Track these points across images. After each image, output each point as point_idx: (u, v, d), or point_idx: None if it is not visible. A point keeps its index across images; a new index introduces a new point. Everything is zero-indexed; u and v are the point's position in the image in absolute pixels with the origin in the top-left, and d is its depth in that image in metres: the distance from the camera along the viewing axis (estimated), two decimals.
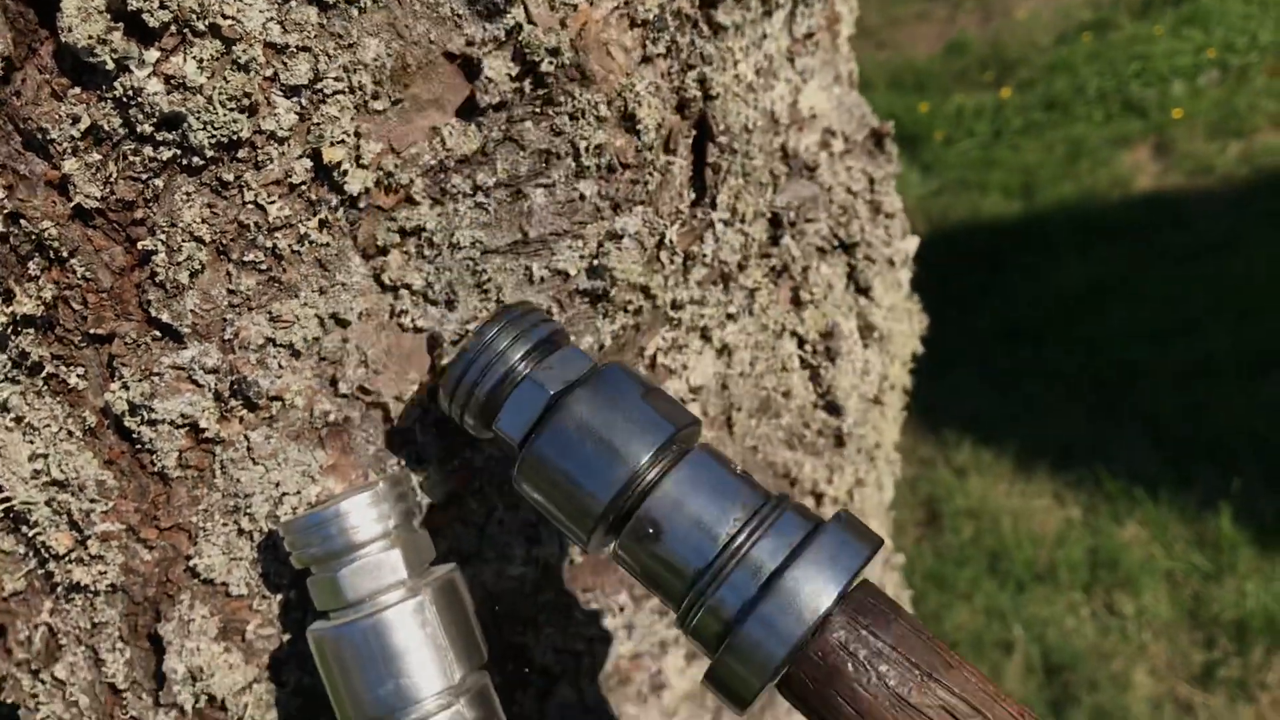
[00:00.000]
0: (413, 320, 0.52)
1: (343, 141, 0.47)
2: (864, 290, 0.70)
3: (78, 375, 0.49)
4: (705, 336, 0.62)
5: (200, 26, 0.44)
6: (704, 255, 0.60)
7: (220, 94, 0.44)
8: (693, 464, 0.45)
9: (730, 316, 0.63)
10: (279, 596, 0.53)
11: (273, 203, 0.47)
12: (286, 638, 0.54)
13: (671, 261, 0.58)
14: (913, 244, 0.75)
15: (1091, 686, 2.27)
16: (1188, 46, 4.58)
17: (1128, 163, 4.22)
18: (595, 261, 0.54)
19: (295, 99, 0.46)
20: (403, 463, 0.53)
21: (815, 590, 0.42)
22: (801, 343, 0.67)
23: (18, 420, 0.50)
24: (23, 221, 0.46)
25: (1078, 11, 5.18)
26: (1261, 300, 3.23)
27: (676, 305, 0.59)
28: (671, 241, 0.57)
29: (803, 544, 0.43)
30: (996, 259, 3.92)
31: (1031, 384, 3.22)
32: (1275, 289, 3.25)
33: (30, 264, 0.47)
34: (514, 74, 0.49)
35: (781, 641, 0.42)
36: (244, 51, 0.44)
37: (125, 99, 0.44)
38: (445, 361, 0.53)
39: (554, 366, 0.48)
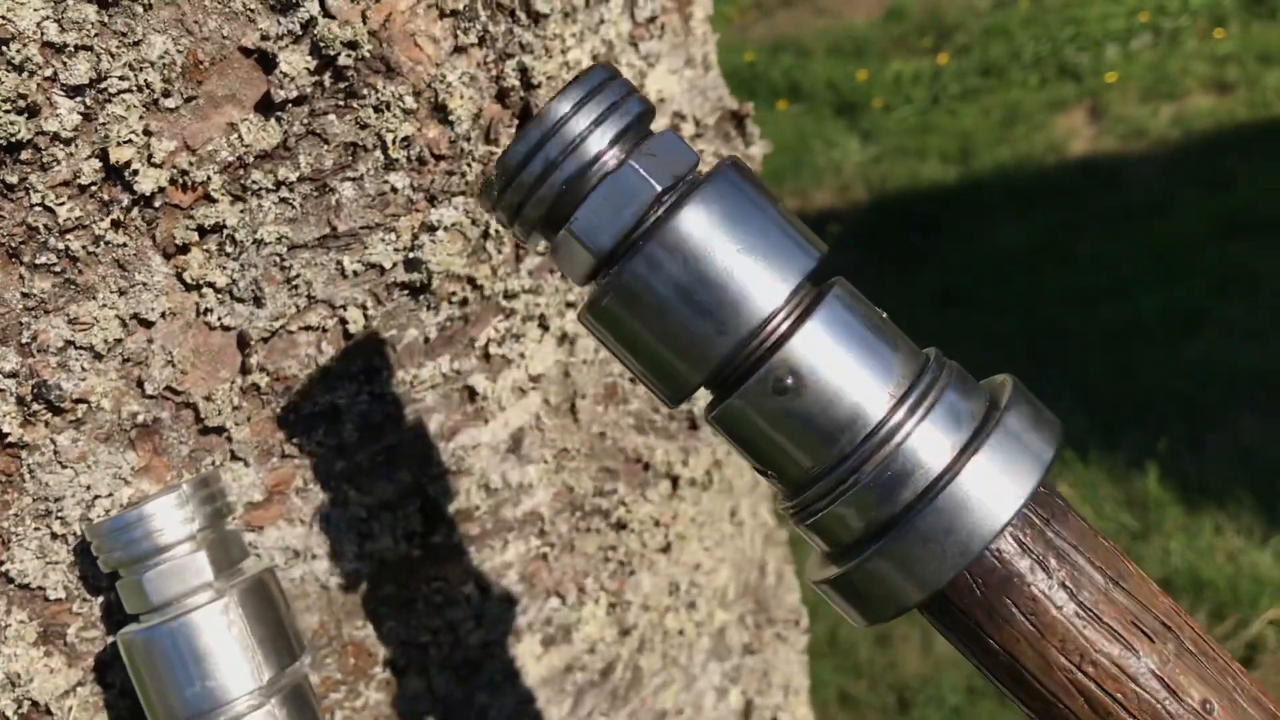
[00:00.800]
0: (219, 318, 0.51)
1: (130, 141, 0.46)
2: None
3: None
4: (544, 325, 0.62)
5: None
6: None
7: None
8: (840, 304, 0.37)
9: (570, 304, 0.63)
10: (100, 599, 0.53)
11: (62, 204, 0.46)
12: (111, 640, 0.54)
13: (500, 251, 0.58)
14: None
15: None
16: (1121, 10, 4.62)
17: (1063, 127, 4.26)
18: (411, 254, 0.53)
19: (78, 99, 0.45)
20: (217, 462, 0.53)
21: (1002, 490, 0.35)
22: None
23: None
24: None
25: None
26: (1190, 261, 3.28)
27: (509, 295, 0.59)
28: (498, 232, 0.57)
29: (983, 427, 0.36)
30: (935, 224, 3.95)
31: (967, 347, 3.25)
32: (1203, 251, 3.30)
33: None
34: (312, 68, 0.49)
35: (960, 549, 0.35)
36: (18, 52, 0.43)
37: None
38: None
39: (656, 154, 0.37)
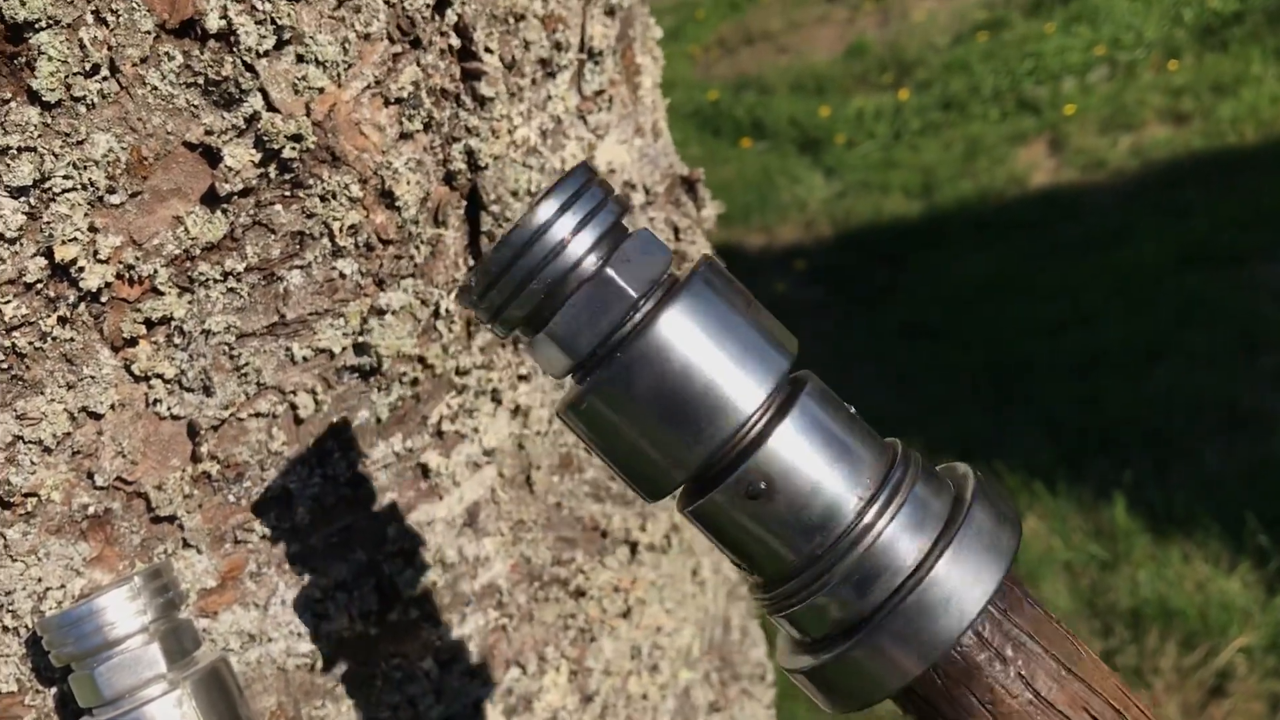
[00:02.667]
0: (169, 408, 0.51)
1: (75, 239, 0.47)
2: None
3: None
4: (496, 399, 0.62)
5: None
6: None
7: None
8: (812, 405, 0.38)
9: (522, 378, 0.63)
10: (53, 690, 0.53)
11: (8, 302, 0.47)
12: None
13: (450, 330, 0.58)
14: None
15: None
16: (1078, 44, 4.70)
17: (1024, 159, 4.32)
18: (360, 338, 0.54)
19: (23, 199, 0.46)
20: (169, 551, 0.53)
21: (969, 588, 0.36)
22: None
23: None
24: None
25: (972, 12, 5.28)
26: (1150, 291, 3.32)
27: (461, 371, 0.60)
28: (448, 311, 0.58)
29: (949, 525, 0.38)
30: (899, 258, 3.99)
31: (933, 381, 3.28)
32: (1163, 280, 3.34)
33: None
34: (257, 160, 0.49)
35: (929, 646, 0.36)
36: None
37: None
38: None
39: (631, 259, 0.38)
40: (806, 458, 0.37)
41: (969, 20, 5.24)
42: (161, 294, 0.50)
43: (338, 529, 0.57)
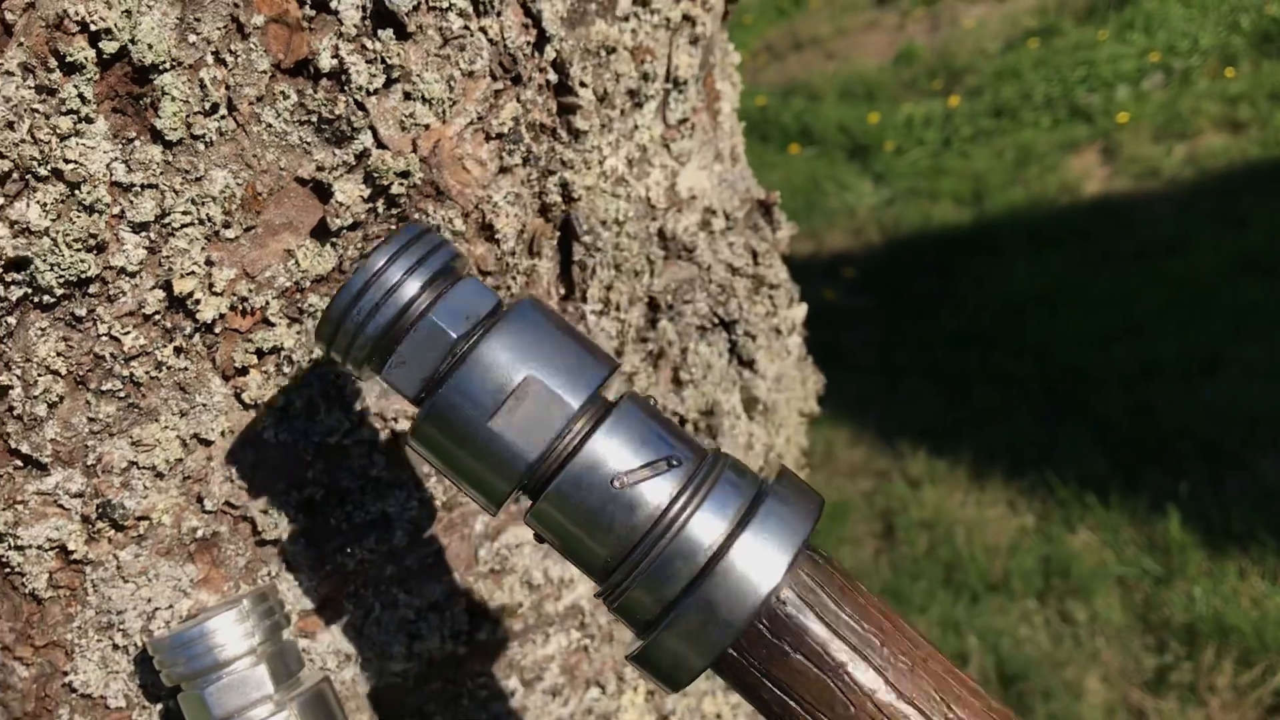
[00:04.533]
0: (276, 435, 0.53)
1: (193, 273, 0.48)
2: (747, 364, 0.71)
3: None
4: None
5: (42, 172, 0.45)
6: None
7: (65, 236, 0.45)
8: (622, 419, 0.42)
9: None
10: (158, 706, 0.54)
11: (127, 333, 0.48)
12: None
13: None
14: (800, 311, 0.77)
15: (1046, 695, 2.30)
16: (1131, 51, 4.65)
17: (1075, 168, 4.28)
18: None
19: (143, 234, 0.47)
20: (273, 573, 0.54)
21: (763, 567, 0.39)
22: (683, 422, 0.68)
23: None
24: None
25: (1024, 18, 5.24)
26: (1206, 301, 3.28)
27: None
28: None
29: (747, 514, 0.40)
30: (948, 266, 3.96)
31: (984, 390, 3.26)
32: (1219, 290, 3.30)
33: None
34: (366, 195, 0.51)
35: (728, 624, 0.39)
36: (89, 193, 0.45)
37: None
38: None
39: (456, 302, 0.42)
40: (620, 462, 0.41)
41: (1020, 26, 5.20)
42: (272, 325, 0.51)
43: (432, 551, 0.59)
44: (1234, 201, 3.72)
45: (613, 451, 0.41)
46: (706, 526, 0.40)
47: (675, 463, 0.41)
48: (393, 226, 0.52)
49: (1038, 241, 3.90)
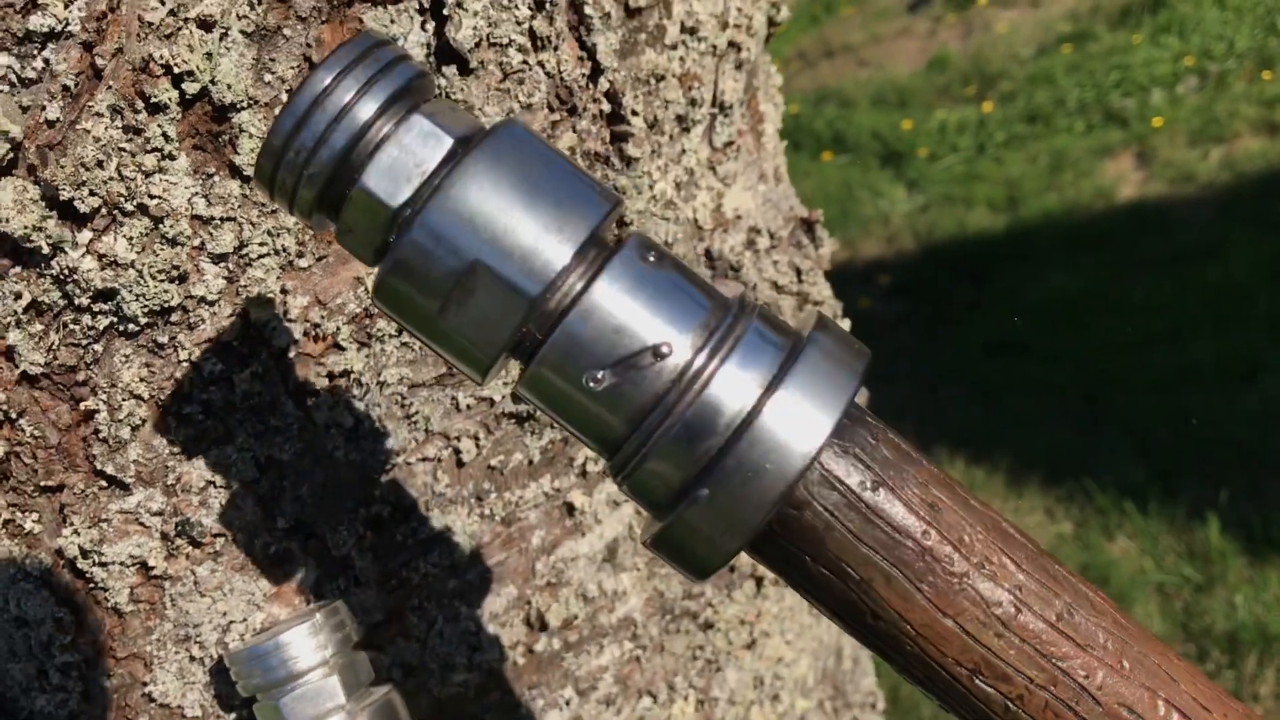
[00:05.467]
0: (346, 455, 0.55)
1: (269, 301, 0.51)
2: None
3: (33, 521, 0.53)
4: None
5: (129, 207, 0.47)
6: None
7: (150, 268, 0.48)
8: (630, 259, 0.35)
9: None
10: (232, 715, 0.57)
11: (207, 359, 0.51)
12: None
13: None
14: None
15: None
16: (1166, 55, 4.62)
17: (1110, 173, 4.26)
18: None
19: (222, 265, 0.50)
20: (342, 587, 0.57)
21: (803, 431, 0.33)
22: None
23: None
24: None
25: (1057, 23, 5.22)
26: (1244, 307, 3.26)
27: None
28: None
29: (782, 370, 0.34)
30: (983, 273, 3.95)
31: (1020, 397, 3.25)
32: (1257, 295, 3.28)
33: None
34: None
35: (763, 499, 0.33)
36: (172, 226, 0.48)
37: (62, 276, 0.47)
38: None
39: (430, 119, 0.35)
40: (630, 314, 0.34)
41: (1053, 32, 5.18)
42: (343, 349, 0.53)
43: (492, 565, 0.61)
44: (1271, 205, 3.69)
45: (624, 301, 0.35)
46: (735, 384, 0.34)
47: (665, 352, 0.35)
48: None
49: (1073, 247, 3.88)
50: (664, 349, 0.34)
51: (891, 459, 0.35)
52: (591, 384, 0.34)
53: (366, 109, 0.35)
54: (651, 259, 0.36)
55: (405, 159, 0.34)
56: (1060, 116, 4.61)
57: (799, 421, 0.34)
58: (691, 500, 0.34)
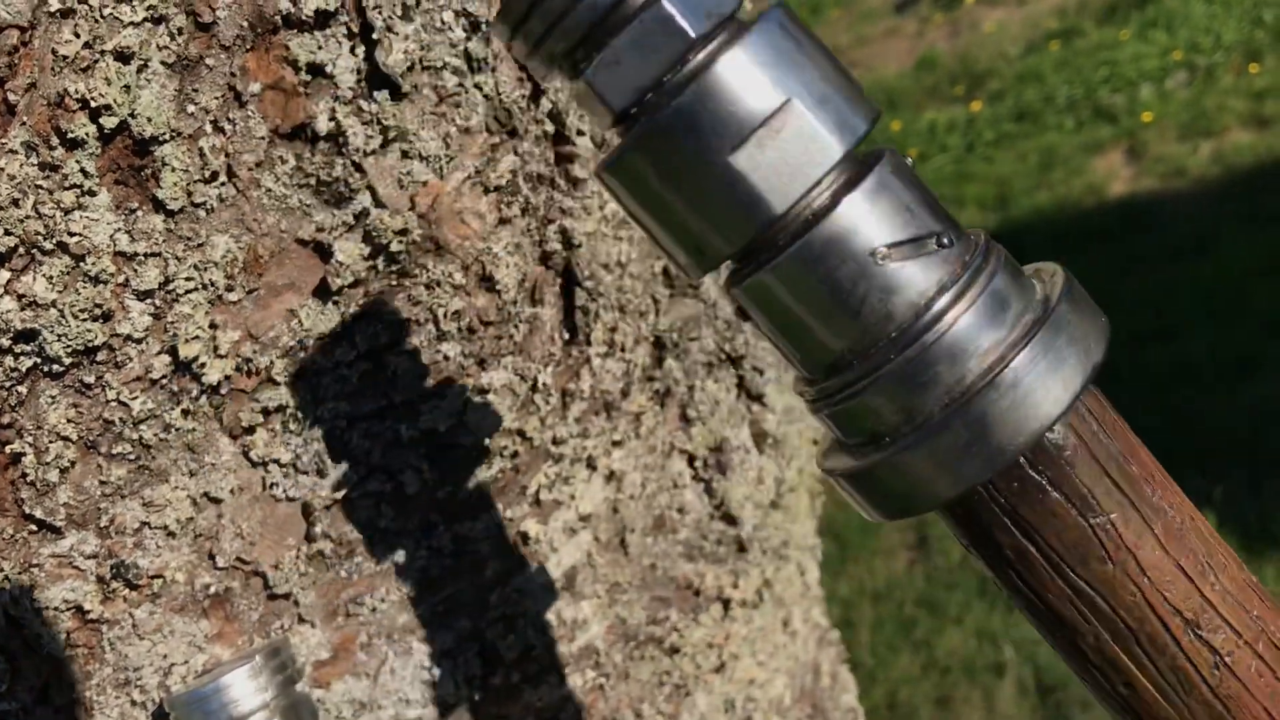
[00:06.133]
0: (284, 491, 0.54)
1: (198, 337, 0.49)
2: (756, 398, 0.72)
3: None
4: (591, 465, 0.64)
5: (48, 245, 0.46)
6: (581, 391, 0.62)
7: (72, 306, 0.46)
8: (887, 178, 0.33)
9: (616, 443, 0.65)
10: None
11: (135, 398, 0.49)
12: None
13: (548, 402, 0.60)
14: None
15: (1084, 705, 2.28)
16: (1153, 50, 4.62)
17: (1101, 169, 4.25)
18: (464, 417, 0.56)
19: (148, 301, 0.48)
20: (286, 626, 0.55)
21: (1050, 389, 0.32)
22: (691, 459, 0.69)
23: None
24: None
25: (1044, 21, 5.22)
26: (1237, 301, 3.25)
27: (557, 441, 0.61)
28: (546, 384, 0.59)
29: (1035, 323, 0.33)
30: None
31: None
32: (1250, 290, 3.27)
33: None
34: (366, 254, 0.51)
35: (999, 450, 0.32)
36: (94, 264, 0.47)
37: None
38: None
39: None
40: (882, 233, 0.33)
41: (1041, 29, 5.18)
42: (277, 383, 0.52)
43: (443, 598, 0.59)
44: (1262, 199, 3.68)
45: (873, 218, 0.33)
46: (984, 328, 0.33)
47: (946, 242, 0.33)
48: (393, 283, 0.53)
49: (1064, 244, 3.87)
50: (945, 239, 0.33)
51: (1117, 420, 0.35)
52: (879, 257, 0.32)
53: None
54: (909, 178, 0.34)
55: (670, 26, 0.32)
56: (1049, 114, 4.60)
57: (1044, 382, 0.32)
58: (912, 442, 0.33)
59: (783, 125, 0.31)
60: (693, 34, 0.31)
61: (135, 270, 0.48)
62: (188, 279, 0.49)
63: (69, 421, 0.49)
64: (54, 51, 0.45)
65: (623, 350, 0.64)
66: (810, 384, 0.35)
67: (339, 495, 0.55)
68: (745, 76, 0.31)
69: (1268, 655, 0.34)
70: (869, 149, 0.35)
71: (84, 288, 0.47)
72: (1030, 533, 0.34)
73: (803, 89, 0.32)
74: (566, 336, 0.61)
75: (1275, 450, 2.69)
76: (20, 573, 0.51)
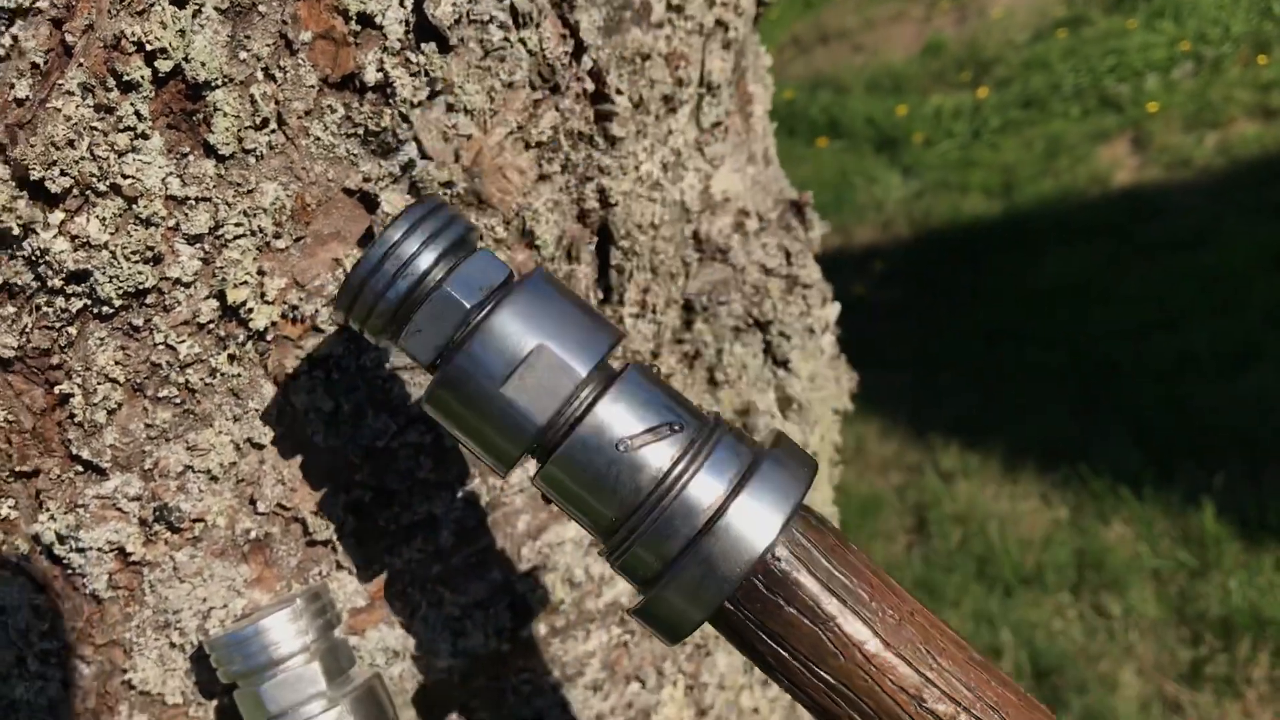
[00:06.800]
0: (325, 439, 0.54)
1: (246, 282, 0.50)
2: (782, 364, 0.72)
3: (9, 507, 0.52)
4: None
5: (101, 187, 0.46)
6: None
7: (124, 248, 0.47)
8: (627, 386, 0.43)
9: None
10: (214, 702, 0.56)
11: (183, 342, 0.50)
12: None
13: None
14: (833, 311, 0.78)
15: (1080, 689, 2.29)
16: (1161, 40, 4.61)
17: (1106, 158, 4.25)
18: None
19: (198, 245, 0.49)
20: (324, 573, 0.56)
21: (758, 525, 0.41)
22: None
23: None
24: None
25: (1052, 8, 5.21)
26: (1240, 293, 3.26)
27: None
28: None
29: (744, 477, 0.42)
30: (979, 258, 3.95)
31: (1016, 383, 3.25)
32: (1253, 281, 3.28)
33: None
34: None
35: (725, 579, 0.41)
36: (145, 207, 0.47)
37: (34, 258, 0.46)
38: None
39: (469, 274, 0.44)
40: (625, 427, 0.42)
41: (1049, 17, 5.17)
42: (322, 331, 0.52)
43: (477, 550, 0.60)
44: (1267, 191, 3.69)
45: (618, 417, 0.43)
46: (706, 488, 0.42)
47: (677, 428, 0.43)
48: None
49: (1068, 233, 3.88)
50: (676, 426, 0.43)
51: (826, 553, 0.43)
52: (621, 447, 0.42)
53: (426, 259, 0.44)
54: (647, 381, 0.44)
55: (475, 277, 0.44)
56: (1056, 102, 4.60)
57: (754, 520, 0.42)
58: (666, 581, 0.42)
59: (536, 361, 0.42)
60: (468, 305, 0.43)
61: (186, 214, 0.48)
62: (237, 225, 0.49)
63: (117, 364, 0.49)
64: None
65: (654, 312, 0.65)
66: (604, 544, 0.45)
67: (379, 444, 0.55)
68: (507, 330, 0.42)
69: (984, 716, 0.42)
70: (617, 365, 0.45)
71: (135, 230, 0.47)
72: (779, 640, 0.42)
73: (551, 332, 0.43)
74: (601, 296, 0.62)
75: (1274, 441, 2.70)
76: (65, 513, 0.51)
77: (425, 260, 0.44)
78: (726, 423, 0.45)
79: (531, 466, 0.61)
